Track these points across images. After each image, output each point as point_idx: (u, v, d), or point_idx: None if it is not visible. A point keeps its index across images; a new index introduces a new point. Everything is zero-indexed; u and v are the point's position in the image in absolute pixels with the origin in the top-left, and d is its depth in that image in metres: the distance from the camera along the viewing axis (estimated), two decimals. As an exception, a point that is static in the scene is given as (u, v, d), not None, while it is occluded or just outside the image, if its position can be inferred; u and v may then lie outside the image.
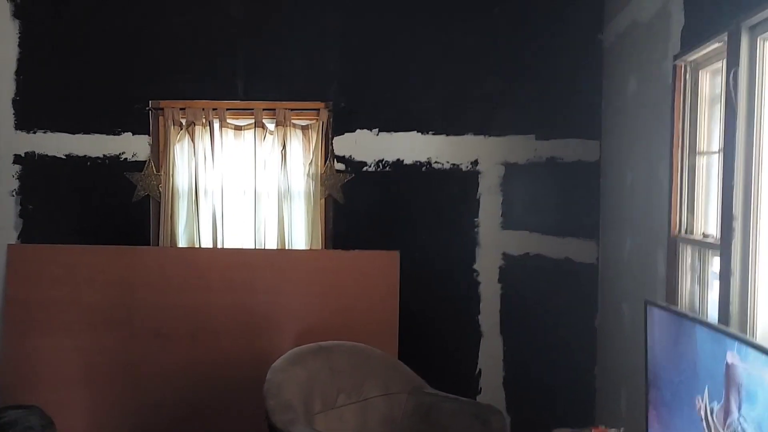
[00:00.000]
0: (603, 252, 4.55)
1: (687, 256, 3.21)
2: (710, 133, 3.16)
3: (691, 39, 3.10)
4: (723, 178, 2.70)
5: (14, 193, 4.85)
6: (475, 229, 4.68)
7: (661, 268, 3.40)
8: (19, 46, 4.80)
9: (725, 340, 2.10)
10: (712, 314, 2.87)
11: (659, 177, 3.47)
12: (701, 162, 3.19)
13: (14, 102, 4.83)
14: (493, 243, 4.67)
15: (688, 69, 3.22)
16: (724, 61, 2.79)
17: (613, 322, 4.25)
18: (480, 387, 4.69)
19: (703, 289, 3.09)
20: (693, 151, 3.21)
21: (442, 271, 4.70)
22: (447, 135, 4.68)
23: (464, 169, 4.68)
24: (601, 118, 4.58)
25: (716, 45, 2.90)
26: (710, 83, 3.17)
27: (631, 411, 3.82)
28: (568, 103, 4.61)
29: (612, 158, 4.38)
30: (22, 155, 4.83)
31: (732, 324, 2.55)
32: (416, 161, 4.70)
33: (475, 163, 4.67)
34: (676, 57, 3.25)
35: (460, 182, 4.68)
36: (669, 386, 2.55)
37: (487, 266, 4.68)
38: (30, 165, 4.84)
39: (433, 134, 4.68)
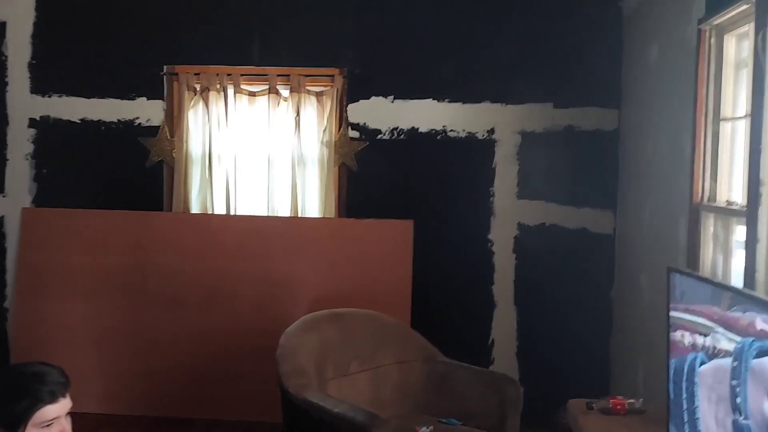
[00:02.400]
0: (621, 222, 4.43)
1: (710, 225, 3.09)
2: (735, 98, 3.04)
3: (717, 2, 2.97)
4: (750, 143, 2.59)
5: (29, 156, 4.84)
6: (491, 199, 4.57)
7: (682, 238, 3.29)
8: (36, 9, 4.77)
9: (754, 306, 1.99)
10: (736, 284, 2.76)
11: (681, 145, 3.34)
12: (725, 128, 3.07)
13: (30, 66, 4.81)
14: (509, 213, 4.57)
15: (713, 33, 3.10)
16: (752, 24, 2.68)
17: (630, 293, 4.14)
18: (493, 357, 4.62)
19: (726, 258, 2.98)
20: (717, 118, 3.09)
21: (456, 241, 4.60)
22: (463, 103, 4.55)
23: (480, 137, 4.56)
24: (621, 86, 4.44)
25: (744, 7, 2.78)
26: (736, 47, 3.05)
27: (649, 383, 3.73)
28: (587, 71, 4.48)
29: (631, 127, 4.25)
30: (37, 119, 4.82)
31: (758, 292, 2.44)
32: (431, 129, 4.59)
33: (492, 131, 4.55)
34: (700, 21, 3.12)
35: (476, 151, 4.56)
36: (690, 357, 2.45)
37: (501, 236, 4.58)
38: (45, 129, 4.82)
39: (449, 102, 4.56)
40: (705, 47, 3.12)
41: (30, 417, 1.92)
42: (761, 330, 1.92)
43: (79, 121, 4.78)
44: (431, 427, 3.42)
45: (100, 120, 4.77)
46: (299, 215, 4.64)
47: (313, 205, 4.68)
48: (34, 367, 2.04)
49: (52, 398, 1.96)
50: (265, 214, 4.67)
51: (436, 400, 3.75)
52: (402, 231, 4.50)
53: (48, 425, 1.95)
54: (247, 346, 4.51)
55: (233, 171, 4.66)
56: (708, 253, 3.09)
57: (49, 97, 4.79)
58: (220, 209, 4.70)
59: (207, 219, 4.65)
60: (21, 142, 4.80)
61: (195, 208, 4.70)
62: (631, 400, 3.22)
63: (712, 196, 3.10)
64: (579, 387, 4.09)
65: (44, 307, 4.66)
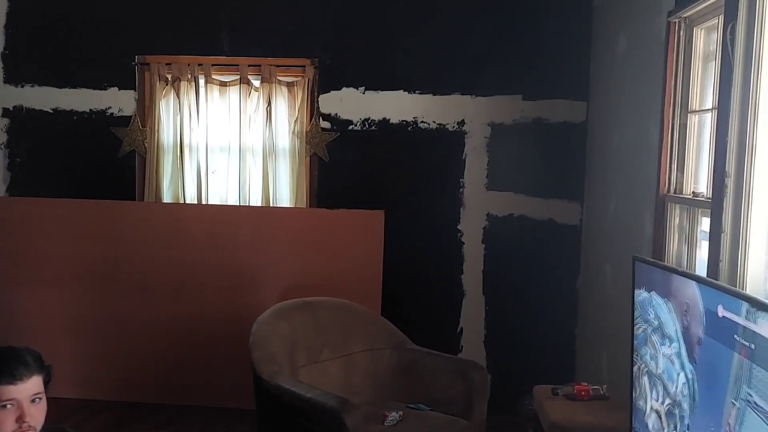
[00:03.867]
0: (587, 213, 4.38)
1: (675, 216, 3.05)
2: (703, 91, 3.00)
3: (687, -5, 2.91)
4: (717, 136, 2.54)
5: (2, 146, 4.73)
6: (460, 190, 4.49)
7: (648, 228, 3.24)
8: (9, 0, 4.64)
9: (716, 294, 1.94)
10: (700, 273, 2.71)
11: (648, 136, 3.30)
12: (692, 120, 3.03)
13: (2, 56, 4.69)
14: (478, 204, 4.49)
15: (683, 26, 3.05)
16: (721, 17, 2.63)
17: (596, 283, 4.09)
18: (461, 345, 4.55)
19: (691, 249, 2.95)
20: (685, 110, 3.05)
21: (427, 231, 4.53)
22: (434, 94, 4.47)
23: (450, 129, 4.47)
24: (589, 79, 4.38)
25: (712, 0, 2.71)
26: (704, 40, 3.00)
27: (612, 370, 3.69)
28: (556, 63, 4.41)
29: (599, 119, 4.19)
30: (10, 109, 4.72)
31: (721, 281, 2.38)
32: (402, 120, 4.49)
33: (462, 123, 4.47)
34: (670, 13, 3.06)
35: (447, 142, 4.48)
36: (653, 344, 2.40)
37: (471, 227, 4.51)
38: (18, 118, 4.72)
39: (420, 93, 4.47)
40: (674, 40, 3.07)
41: None
42: (723, 317, 1.87)
43: (51, 111, 4.66)
44: (401, 413, 3.41)
45: (72, 110, 4.65)
46: (271, 205, 4.53)
47: (284, 195, 4.58)
48: (4, 349, 1.93)
49: (11, 379, 1.84)
50: (237, 204, 4.57)
51: (405, 387, 3.71)
52: (373, 221, 4.41)
53: (2, 405, 1.83)
54: (218, 334, 4.43)
55: (205, 161, 4.55)
56: (673, 243, 3.05)
57: (22, 87, 4.68)
58: (191, 199, 4.59)
59: (179, 208, 4.54)
60: (-6, 131, 4.68)
61: (167, 198, 4.60)
62: (596, 386, 3.22)
63: (679, 188, 3.07)
64: (545, 374, 4.09)
65: (18, 294, 4.55)
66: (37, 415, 1.89)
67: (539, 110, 4.42)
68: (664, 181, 3.10)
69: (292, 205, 4.54)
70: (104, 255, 4.52)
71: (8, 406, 1.84)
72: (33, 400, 1.88)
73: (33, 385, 1.88)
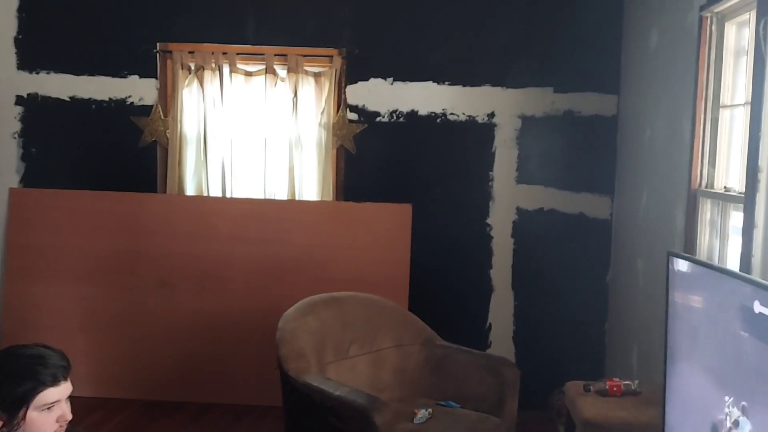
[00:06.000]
0: (618, 207, 4.65)
1: (707, 210, 3.30)
2: (734, 85, 3.24)
3: (719, -11, 3.17)
4: (749, 130, 2.77)
5: (16, 135, 4.88)
6: (490, 183, 4.75)
7: (679, 223, 3.50)
8: (22, -19, 4.77)
9: (752, 289, 2.10)
10: (732, 268, 2.95)
11: (680, 131, 3.55)
12: (724, 115, 3.27)
13: (16, 41, 4.83)
14: (507, 197, 4.74)
15: (714, 20, 3.30)
16: (753, 12, 2.87)
17: (626, 278, 4.36)
18: (490, 341, 4.81)
19: (722, 243, 3.19)
20: (717, 104, 3.29)
21: (455, 225, 4.77)
22: (463, 86, 4.71)
23: (480, 121, 4.72)
24: (620, 72, 4.63)
25: (746, -6, 2.97)
26: (736, 35, 3.25)
27: (643, 366, 3.95)
28: (587, 55, 4.65)
29: (630, 112, 4.45)
30: (25, 96, 4.86)
31: (754, 276, 2.63)
32: (431, 112, 4.74)
33: (492, 115, 4.72)
34: (702, 8, 3.31)
35: (476, 135, 4.72)
36: (689, 339, 2.64)
37: (500, 221, 4.76)
38: (32, 106, 4.87)
39: (449, 85, 4.71)
40: (706, 34, 3.31)
41: (31, 399, 1.96)
42: (759, 313, 2.06)
43: (68, 99, 4.83)
44: (430, 410, 3.55)
45: (90, 98, 4.82)
46: (296, 198, 4.76)
47: (310, 188, 4.79)
48: (36, 350, 2.07)
49: (54, 381, 2.00)
50: (262, 197, 4.79)
51: (434, 383, 3.88)
52: (400, 214, 4.66)
53: (49, 408, 1.99)
54: (242, 328, 4.63)
55: (229, 152, 4.76)
56: (705, 238, 3.30)
57: (37, 73, 4.83)
58: (215, 191, 4.78)
59: (201, 201, 4.75)
60: (8, 120, 4.85)
61: (190, 190, 4.79)
62: (627, 382, 3.38)
63: (710, 182, 3.31)
64: (575, 370, 4.26)
65: (33, 289, 4.73)
66: (70, 413, 2.08)
67: (570, 103, 4.67)
68: (696, 175, 3.35)
69: (318, 198, 4.76)
70: (124, 248, 4.71)
71: (53, 408, 2.01)
72: (66, 399, 2.07)
73: (69, 384, 2.06)
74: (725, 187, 3.22)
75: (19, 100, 4.87)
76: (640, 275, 4.10)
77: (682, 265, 2.71)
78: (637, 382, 3.44)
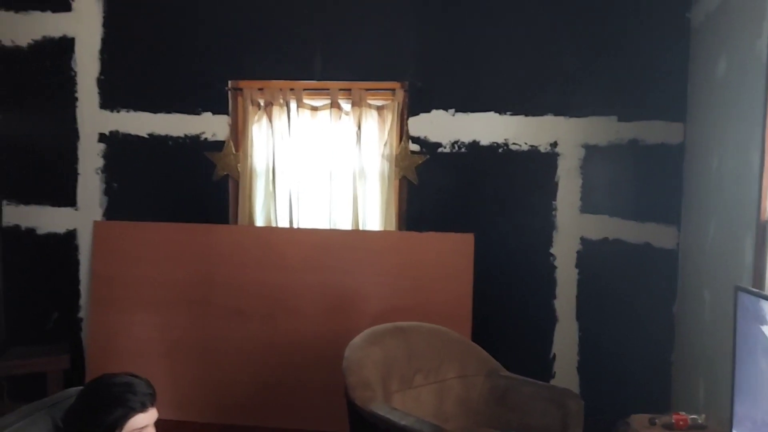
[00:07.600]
0: (684, 237, 4.50)
1: (777, 243, 3.17)
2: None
3: (788, 17, 3.05)
4: None
5: (99, 171, 5.06)
6: (553, 213, 4.67)
7: (748, 254, 3.37)
8: (103, 26, 4.98)
9: None
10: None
11: (749, 160, 3.42)
12: (795, 145, 3.15)
13: (99, 81, 5.02)
14: (571, 227, 4.66)
15: (784, 48, 3.18)
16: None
17: (693, 310, 4.21)
18: (554, 371, 4.72)
19: (793, 277, 3.06)
20: (786, 134, 3.17)
21: (518, 255, 4.71)
22: (525, 115, 4.66)
23: (543, 150, 4.66)
24: (687, 100, 4.50)
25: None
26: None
27: (710, 400, 3.80)
28: (652, 83, 4.54)
29: (697, 141, 4.32)
30: (107, 134, 5.04)
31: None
32: (493, 142, 4.70)
33: (554, 144, 4.65)
34: (770, 36, 3.20)
35: (538, 164, 4.66)
36: (757, 375, 2.54)
37: (564, 250, 4.68)
38: (114, 143, 5.04)
39: (511, 114, 4.67)
40: (775, 62, 3.20)
41: (123, 425, 2.09)
42: None
43: (147, 136, 4.99)
44: None
45: (167, 135, 4.96)
46: (360, 228, 4.79)
47: (373, 218, 4.83)
48: (125, 378, 2.19)
49: (143, 407, 2.14)
50: (327, 227, 4.84)
51: (498, 414, 3.84)
52: (463, 244, 4.63)
53: None
54: (310, 357, 4.68)
55: (296, 184, 4.83)
56: (775, 271, 3.18)
57: (118, 112, 4.99)
58: (283, 222, 4.87)
59: (271, 232, 4.83)
60: (92, 156, 5.03)
61: (259, 221, 4.88)
62: (694, 416, 3.32)
63: (780, 214, 3.19)
64: (640, 402, 4.20)
65: (116, 317, 4.88)
66: None
67: (635, 131, 4.56)
68: (765, 206, 3.22)
69: (382, 228, 4.79)
70: (199, 277, 4.82)
71: None
72: (153, 425, 2.20)
73: (155, 410, 2.19)
74: (795, 219, 3.08)
75: (102, 138, 5.05)
76: (707, 307, 3.95)
77: (750, 301, 2.63)
78: (703, 416, 3.36)
